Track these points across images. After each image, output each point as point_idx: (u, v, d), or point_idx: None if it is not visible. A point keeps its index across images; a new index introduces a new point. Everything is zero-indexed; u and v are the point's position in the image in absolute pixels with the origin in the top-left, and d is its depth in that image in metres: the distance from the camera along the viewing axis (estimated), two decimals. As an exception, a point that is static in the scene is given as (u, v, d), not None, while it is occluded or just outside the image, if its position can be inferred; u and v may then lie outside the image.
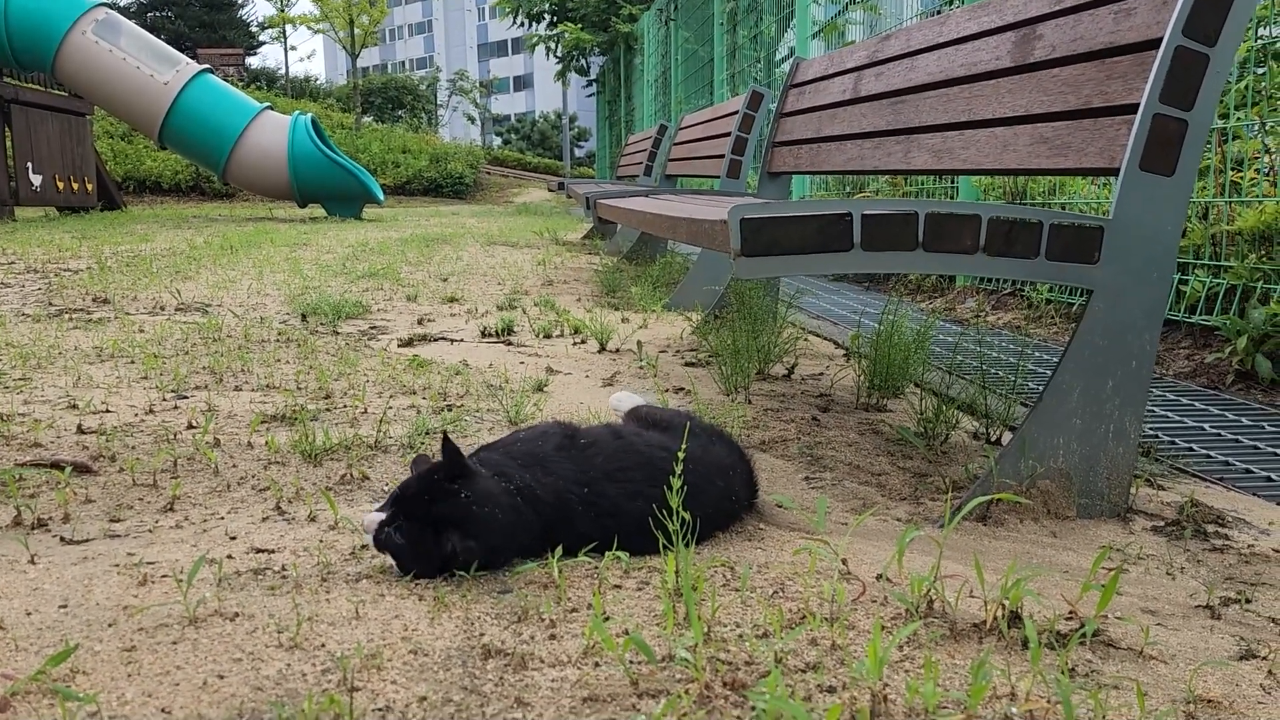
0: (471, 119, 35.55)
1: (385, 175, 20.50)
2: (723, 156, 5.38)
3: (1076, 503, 2.05)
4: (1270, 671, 1.42)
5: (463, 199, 21.76)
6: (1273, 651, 1.48)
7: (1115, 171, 2.02)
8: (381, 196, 13.57)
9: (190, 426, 2.62)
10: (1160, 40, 1.97)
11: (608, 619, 1.49)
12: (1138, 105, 1.99)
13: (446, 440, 1.59)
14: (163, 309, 5.07)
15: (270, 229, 10.80)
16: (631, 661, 1.34)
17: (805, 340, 4.38)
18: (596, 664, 1.32)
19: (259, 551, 1.75)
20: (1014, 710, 1.22)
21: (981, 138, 2.59)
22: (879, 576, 1.74)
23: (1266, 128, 3.83)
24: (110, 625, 1.43)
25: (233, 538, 1.83)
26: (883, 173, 3.35)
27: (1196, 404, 3.22)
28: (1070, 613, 1.57)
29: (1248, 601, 1.69)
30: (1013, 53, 2.54)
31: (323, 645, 1.36)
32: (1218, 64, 1.95)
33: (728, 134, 5.36)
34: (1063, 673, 1.37)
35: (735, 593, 1.62)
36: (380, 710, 1.20)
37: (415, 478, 1.64)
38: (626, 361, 3.84)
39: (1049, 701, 1.27)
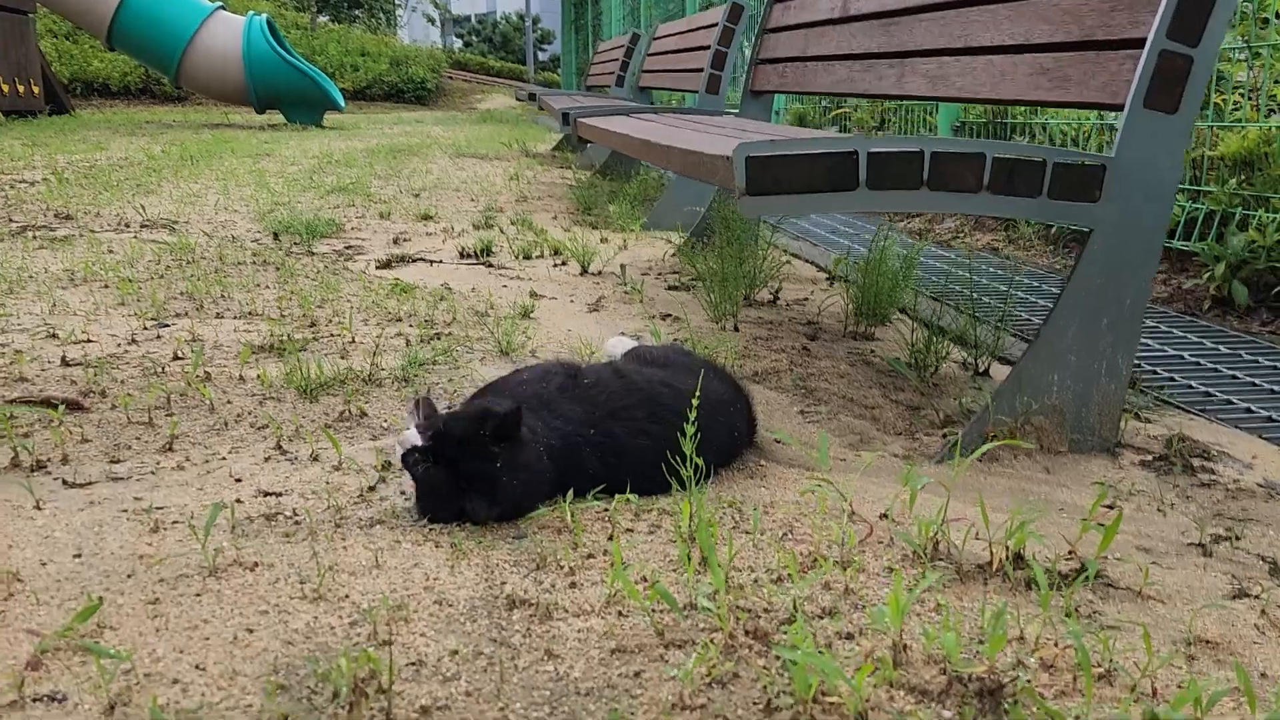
0: (431, 19, 34.49)
1: (344, 79, 19.93)
2: (700, 70, 5.28)
3: (1069, 438, 2.10)
4: (1263, 611, 1.48)
5: (425, 105, 21.26)
6: (1264, 590, 1.54)
7: (1119, 107, 2.01)
8: (342, 103, 13.22)
9: (177, 358, 2.58)
10: (1170, -26, 1.94)
11: (626, 566, 1.51)
12: (1144, 40, 1.97)
13: (514, 414, 1.58)
14: (128, 225, 4.95)
15: (229, 137, 10.52)
16: (654, 610, 1.36)
17: (788, 262, 4.38)
18: (620, 613, 1.35)
19: (267, 495, 1.75)
20: (1029, 658, 1.27)
21: (978, 65, 2.57)
22: (883, 516, 1.78)
23: (1251, 50, 3.82)
24: (129, 576, 1.43)
25: (238, 480, 1.82)
26: (874, 97, 3.31)
27: (1175, 331, 3.28)
28: (1070, 552, 1.61)
29: (1237, 539, 1.75)
30: (1013, -22, 2.50)
31: (347, 596, 1.38)
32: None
33: (706, 47, 5.25)
34: (1068, 614, 1.42)
35: (746, 535, 1.65)
36: (414, 664, 1.21)
37: (464, 419, 1.62)
38: (610, 285, 3.82)
39: (1058, 645, 1.32)
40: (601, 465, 1.76)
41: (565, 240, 4.68)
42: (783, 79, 4.01)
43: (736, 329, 3.11)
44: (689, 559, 1.51)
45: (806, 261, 4.60)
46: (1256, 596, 1.52)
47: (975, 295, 2.71)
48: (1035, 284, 3.97)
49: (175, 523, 1.62)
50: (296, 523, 1.62)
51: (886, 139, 1.89)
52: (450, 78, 23.58)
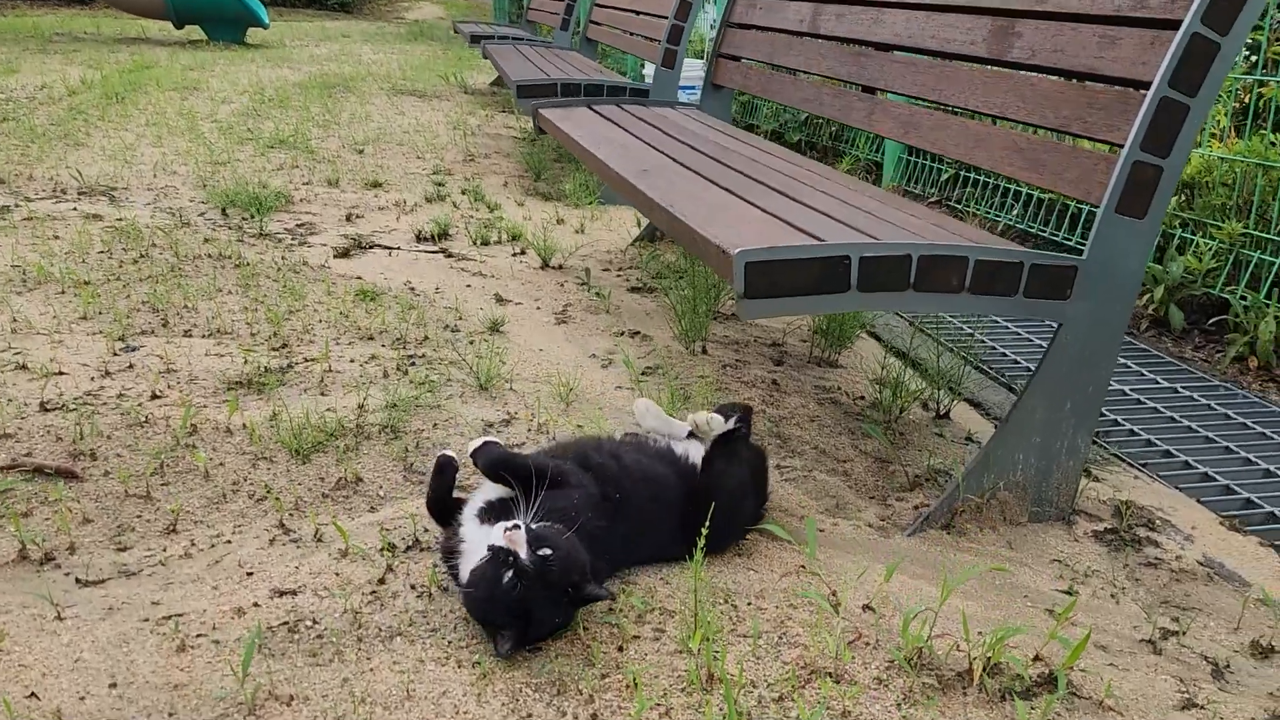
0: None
1: (264, -16, 19.04)
2: (656, 41, 5.24)
3: (1029, 510, 2.25)
4: (1208, 725, 1.65)
5: (349, 13, 20.48)
6: (1209, 701, 1.71)
7: (1094, 204, 2.12)
8: (266, 20, 12.70)
9: (155, 397, 2.58)
10: (1149, 84, 2.03)
11: (637, 684, 1.62)
12: (1120, 145, 2.07)
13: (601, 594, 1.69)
14: (64, 193, 4.81)
15: (150, 61, 10.08)
16: (673, 747, 1.48)
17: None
18: (643, 753, 1.46)
19: (282, 594, 1.81)
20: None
21: (954, 125, 2.64)
22: (866, 608, 1.92)
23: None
24: (170, 715, 1.49)
25: (249, 573, 1.87)
26: (845, 124, 3.36)
27: (1118, 358, 3.45)
28: (1037, 657, 1.77)
29: (1183, 634, 1.93)
30: (989, 42, 2.57)
31: (385, 738, 1.46)
32: (1196, 113, 2.03)
33: (663, 18, 5.20)
34: (1040, 734, 1.58)
35: (744, 639, 1.77)
36: (463, 827, 1.32)
37: (566, 563, 1.65)
38: (574, 286, 3.86)
39: (1036, 777, 1.47)
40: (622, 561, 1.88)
41: (522, 223, 4.68)
42: (746, 80, 4.03)
43: (705, 351, 3.20)
44: (697, 679, 1.62)
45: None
46: (1201, 707, 1.69)
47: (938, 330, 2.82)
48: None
49: (199, 636, 1.68)
50: (319, 636, 1.69)
51: (879, 245, 1.97)
52: (376, -17, 22.68)
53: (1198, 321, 3.60)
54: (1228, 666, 1.84)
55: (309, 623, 1.73)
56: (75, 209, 4.49)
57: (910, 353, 3.01)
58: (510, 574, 1.61)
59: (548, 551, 1.63)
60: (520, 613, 1.62)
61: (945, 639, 1.76)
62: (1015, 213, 4.68)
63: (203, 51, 11.48)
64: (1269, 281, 3.41)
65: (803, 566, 1.98)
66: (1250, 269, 3.50)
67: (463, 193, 5.35)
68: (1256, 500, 2.50)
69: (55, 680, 1.56)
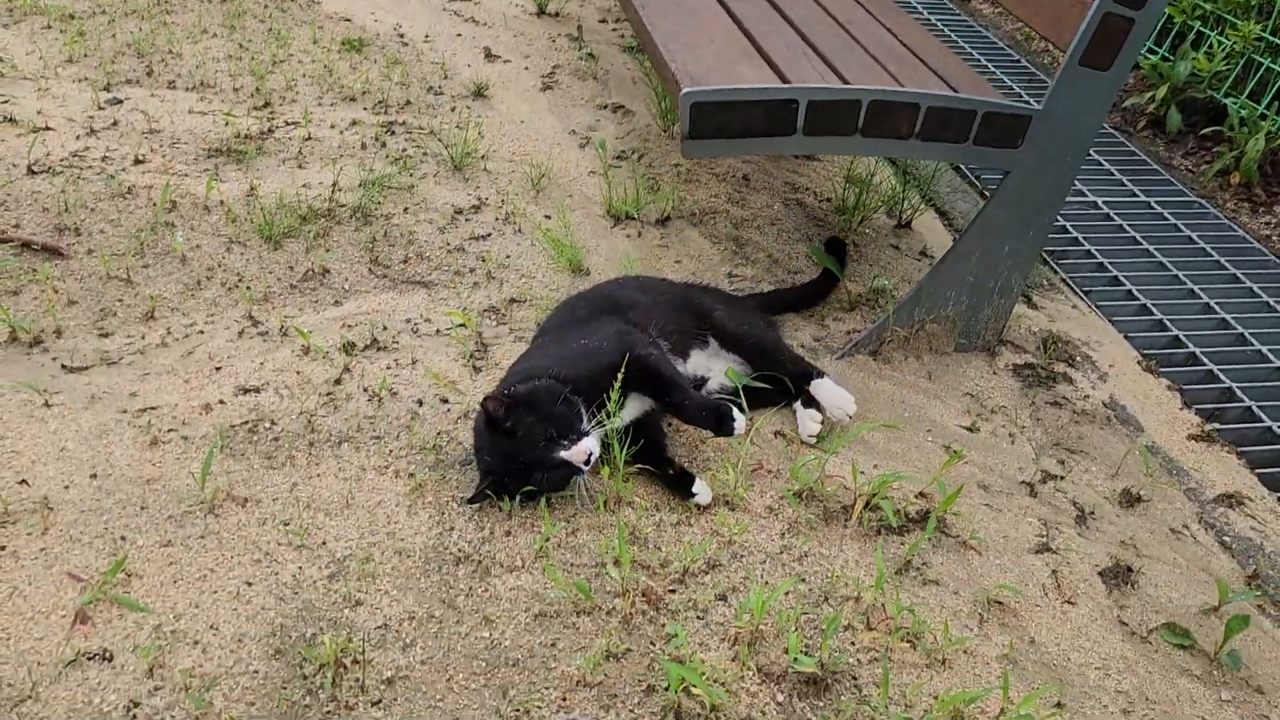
0: None
1: None
2: None
3: (956, 341, 2.38)
4: (1054, 571, 1.87)
5: None
6: (1062, 546, 1.92)
7: (1061, 47, 2.08)
8: None
9: (138, 162, 2.67)
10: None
11: (552, 506, 1.83)
12: (1091, -3, 2.00)
13: None
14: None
15: None
16: (572, 564, 1.71)
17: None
18: (543, 570, 1.69)
19: (246, 392, 2.00)
20: (858, 620, 1.65)
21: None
22: (777, 434, 2.10)
23: None
24: (143, 509, 1.72)
25: (218, 368, 2.06)
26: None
27: (1102, 161, 3.42)
28: (921, 493, 1.97)
29: (1060, 479, 2.11)
30: None
31: (324, 543, 1.70)
32: (1180, -35, 1.95)
33: None
34: (904, 566, 1.80)
35: (653, 475, 1.97)
36: (381, 628, 1.57)
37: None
38: (565, 45, 3.79)
39: (884, 610, 1.71)
40: None
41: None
42: None
43: (685, 134, 3.20)
44: (605, 501, 1.83)
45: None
46: (1054, 551, 1.91)
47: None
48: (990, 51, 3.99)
49: (170, 431, 1.89)
50: (275, 438, 1.89)
51: (828, 88, 1.98)
52: None
53: (1195, 126, 3.52)
54: (1092, 513, 2.04)
55: (268, 424, 1.93)
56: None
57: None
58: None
59: None
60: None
61: (836, 479, 1.96)
62: None
63: None
64: (1272, 92, 3.31)
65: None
66: (1258, 76, 3.39)
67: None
68: (1183, 339, 2.61)
69: (44, 469, 1.78)
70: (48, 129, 2.76)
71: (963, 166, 3.30)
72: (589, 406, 1.83)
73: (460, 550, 1.71)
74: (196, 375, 2.04)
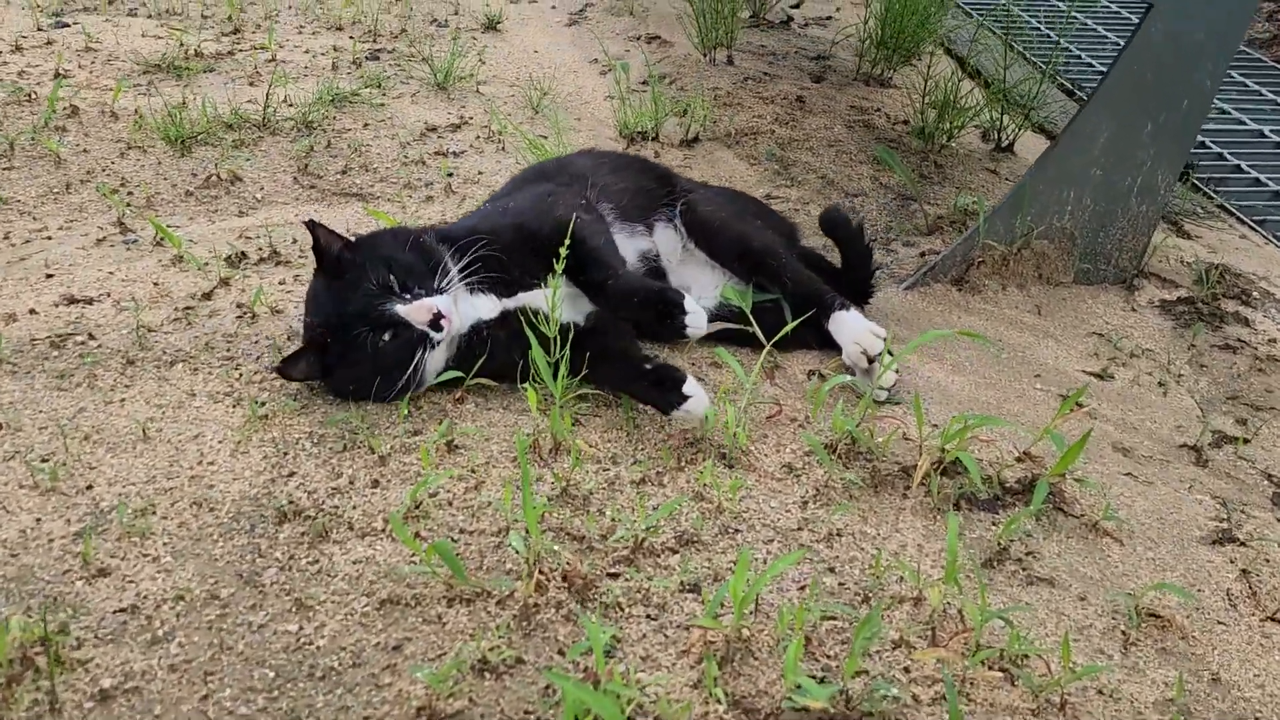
0: None
1: None
2: None
3: (1076, 267, 1.70)
4: (1244, 570, 1.17)
5: None
6: (1255, 534, 1.22)
7: None
8: None
9: (58, 75, 2.21)
10: None
11: (456, 448, 1.22)
12: None
13: None
14: None
15: None
16: (465, 531, 1.09)
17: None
18: (417, 535, 1.08)
19: (74, 303, 1.46)
20: (914, 634, 0.99)
21: None
22: (812, 374, 1.45)
23: None
24: None
25: (49, 275, 1.53)
26: None
27: (1264, 91, 2.69)
28: (1024, 456, 1.29)
29: (1245, 442, 1.40)
30: None
31: (89, 487, 1.12)
32: None
33: None
34: (993, 560, 1.13)
35: (615, 408, 1.34)
36: (123, 611, 0.97)
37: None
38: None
39: (959, 616, 1.04)
40: None
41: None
42: None
43: (731, 61, 2.61)
44: (532, 446, 1.22)
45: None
46: (1243, 543, 1.20)
47: (1029, 21, 2.14)
48: (1112, 16, 3.31)
49: (-55, 342, 1.35)
50: (84, 355, 1.34)
51: None
52: None
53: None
54: (1299, 492, 1.32)
55: (83, 338, 1.38)
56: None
57: (973, 61, 2.35)
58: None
59: None
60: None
61: (892, 421, 1.30)
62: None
63: None
64: None
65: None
66: None
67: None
68: None
69: None
70: (-34, 46, 2.33)
71: (1073, 88, 2.61)
72: (499, 286, 1.27)
73: (292, 504, 1.11)
74: (16, 281, 1.51)
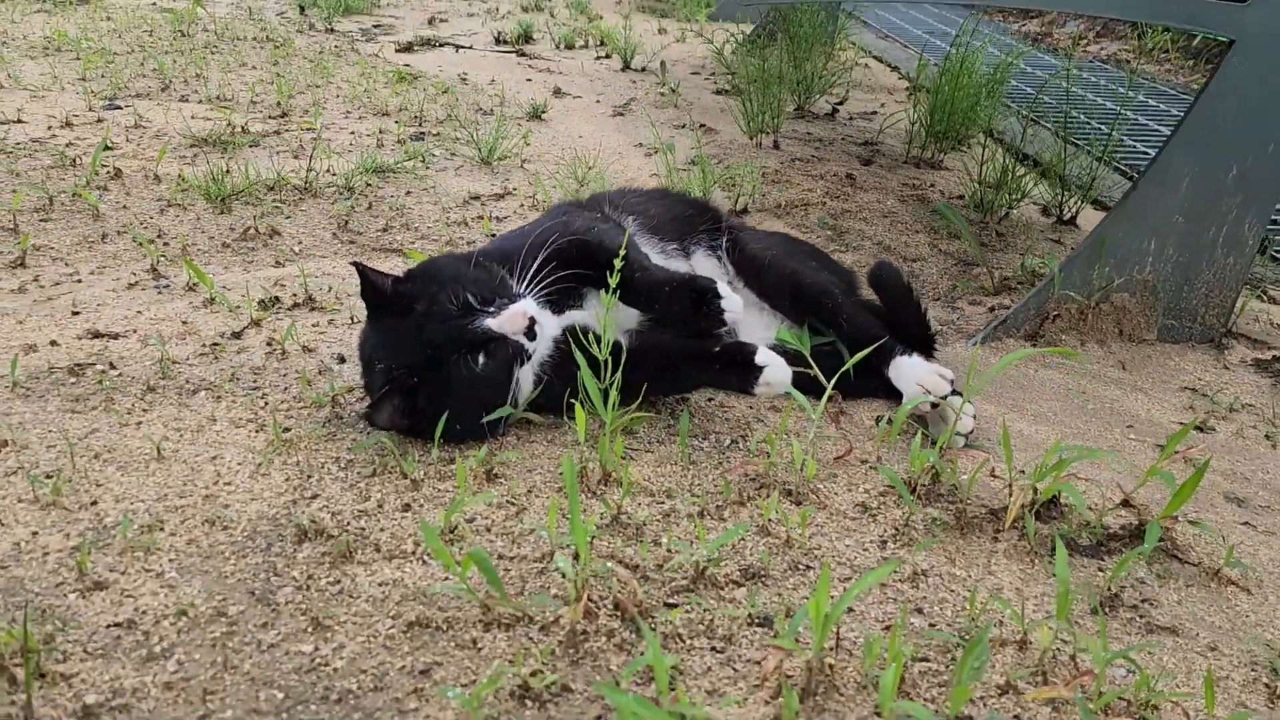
0: None
1: None
2: None
3: (1159, 323, 1.59)
4: (1397, 623, 1.01)
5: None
6: (1403, 587, 1.07)
7: None
8: None
9: (108, 148, 2.20)
10: None
11: (496, 478, 1.11)
12: None
13: None
14: (152, -8, 4.52)
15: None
16: (506, 557, 0.97)
17: (865, 66, 3.74)
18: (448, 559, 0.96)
19: (99, 336, 1.39)
20: (1020, 706, 0.84)
21: None
22: (878, 419, 1.34)
23: None
24: None
25: (75, 313, 1.46)
26: None
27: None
28: (1125, 501, 1.16)
29: (1373, 494, 1.26)
30: None
31: (94, 503, 1.02)
32: None
33: None
34: (1100, 606, 0.99)
35: (673, 441, 1.23)
36: (116, 626, 0.86)
37: None
38: (649, 85, 3.28)
39: (1073, 662, 0.89)
40: None
41: (617, 30, 4.09)
42: None
43: (777, 146, 2.58)
44: (579, 475, 1.10)
45: (889, 66, 3.93)
46: (1389, 595, 1.05)
47: (1076, 115, 2.09)
48: (1161, 107, 3.28)
49: (-42, 369, 1.27)
50: (103, 382, 1.25)
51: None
52: None
53: None
54: None
55: (104, 367, 1.29)
56: (153, 3, 4.20)
57: (1022, 145, 2.29)
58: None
59: None
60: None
61: (973, 459, 1.18)
62: None
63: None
64: None
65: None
66: None
67: (566, 6, 4.79)
68: None
69: None
70: (19, 121, 2.34)
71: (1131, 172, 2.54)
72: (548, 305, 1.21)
73: (314, 524, 1.00)
74: (41, 318, 1.44)
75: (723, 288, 1.21)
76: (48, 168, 2.03)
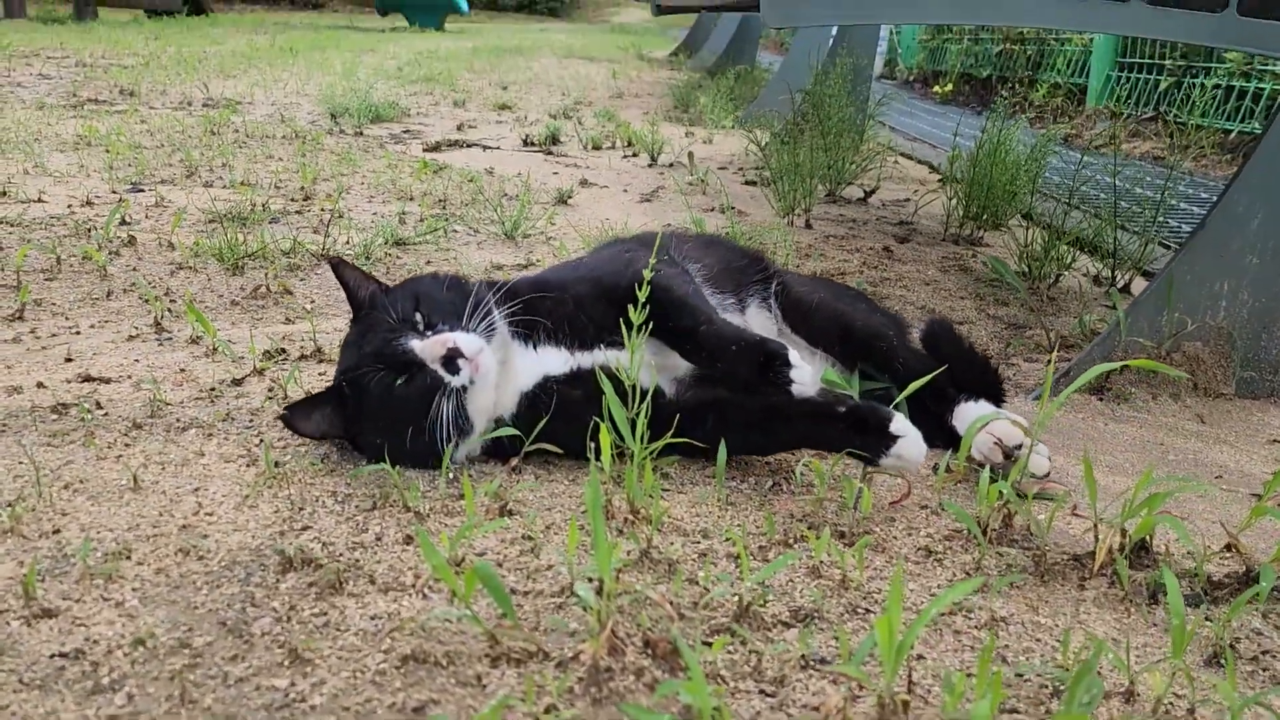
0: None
1: (478, -11, 19.51)
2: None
3: (1237, 376, 1.46)
4: None
5: (557, 16, 20.69)
6: None
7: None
8: (465, 8, 12.84)
9: (124, 223, 2.16)
10: None
11: (511, 513, 0.99)
12: None
13: None
14: (189, 104, 4.61)
15: (343, 36, 10.23)
16: (519, 591, 0.84)
17: (895, 162, 3.71)
18: (448, 593, 0.83)
19: (90, 380, 1.29)
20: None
21: None
22: (935, 468, 1.21)
23: None
24: None
25: (69, 360, 1.37)
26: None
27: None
28: (1229, 546, 1.01)
29: None
30: None
31: (56, 531, 0.90)
32: None
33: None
34: (1216, 657, 0.84)
35: (707, 481, 1.11)
36: (59, 656, 0.73)
37: None
38: (677, 177, 3.25)
39: (1190, 715, 0.74)
40: None
41: (646, 133, 4.11)
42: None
43: (809, 225, 2.51)
44: (604, 510, 0.98)
45: (919, 162, 3.90)
46: None
47: (1121, 203, 2.02)
48: (1201, 195, 3.21)
49: (-66, 408, 1.18)
50: (84, 420, 1.15)
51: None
52: (587, -10, 22.87)
53: None
54: None
55: (92, 406, 1.19)
56: (187, 112, 4.27)
57: (1062, 224, 2.19)
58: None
59: None
60: None
61: (1060, 487, 1.04)
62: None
63: (399, 33, 11.63)
64: None
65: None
66: None
67: (594, 115, 4.84)
68: None
69: None
70: (40, 201, 2.31)
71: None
72: (570, 341, 1.10)
73: (302, 554, 0.87)
74: (31, 364, 1.35)
75: (793, 355, 1.11)
76: (61, 236, 1.98)
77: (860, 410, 1.09)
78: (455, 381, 1.03)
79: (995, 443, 1.17)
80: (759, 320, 1.34)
